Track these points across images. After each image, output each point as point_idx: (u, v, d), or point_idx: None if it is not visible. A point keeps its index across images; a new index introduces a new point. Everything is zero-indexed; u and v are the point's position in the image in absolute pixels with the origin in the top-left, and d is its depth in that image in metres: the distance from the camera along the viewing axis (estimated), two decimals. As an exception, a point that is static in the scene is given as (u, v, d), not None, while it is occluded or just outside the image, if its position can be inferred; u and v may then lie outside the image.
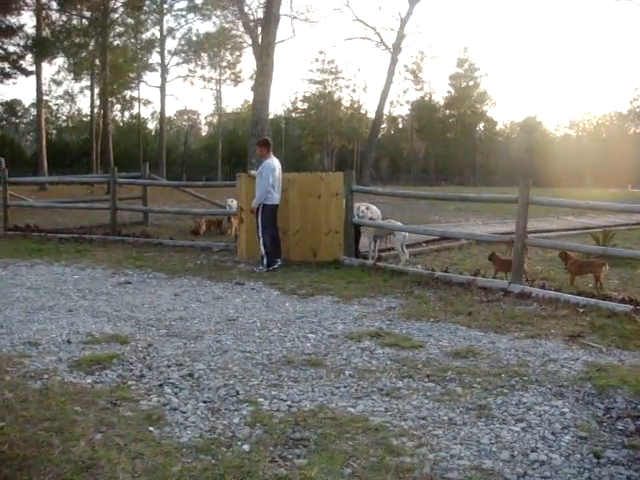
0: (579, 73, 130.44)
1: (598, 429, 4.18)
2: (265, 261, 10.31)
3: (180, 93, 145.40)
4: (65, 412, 4.36)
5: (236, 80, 58.50)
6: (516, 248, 8.54)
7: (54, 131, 72.98)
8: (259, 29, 23.82)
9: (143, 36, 50.01)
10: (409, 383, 5.00)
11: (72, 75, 53.30)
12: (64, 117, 76.28)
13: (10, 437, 3.94)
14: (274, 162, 10.65)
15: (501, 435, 4.07)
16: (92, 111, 51.97)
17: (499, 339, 6.26)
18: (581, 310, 7.33)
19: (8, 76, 47.72)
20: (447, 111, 75.80)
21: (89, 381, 5.03)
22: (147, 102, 71.19)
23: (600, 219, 17.71)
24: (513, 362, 5.53)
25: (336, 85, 73.29)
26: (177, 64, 53.38)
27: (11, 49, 43.87)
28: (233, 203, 14.03)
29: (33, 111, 63.39)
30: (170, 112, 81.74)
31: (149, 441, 3.92)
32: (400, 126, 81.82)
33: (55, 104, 70.43)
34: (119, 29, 46.18)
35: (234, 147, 66.18)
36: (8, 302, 7.87)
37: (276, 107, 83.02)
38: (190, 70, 56.12)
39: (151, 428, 4.13)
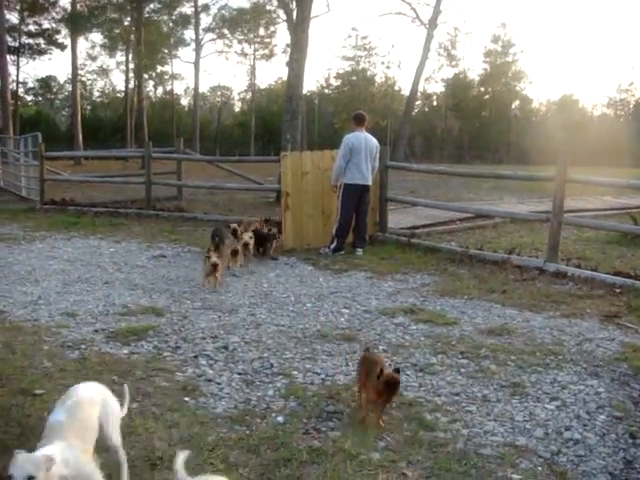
0: (618, 50, 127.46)
1: (634, 410, 4.15)
2: (334, 244, 9.57)
3: (213, 69, 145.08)
4: (102, 381, 4.41)
5: (270, 55, 58.18)
6: (552, 226, 8.43)
7: (89, 107, 73.44)
8: (293, 4, 23.62)
9: (177, 12, 49.87)
10: (443, 359, 5.00)
11: (107, 51, 53.62)
12: (98, 93, 76.82)
13: (50, 404, 4.01)
14: (356, 137, 9.64)
15: (535, 413, 4.06)
16: (126, 87, 52.25)
17: (534, 318, 6.22)
18: (617, 290, 7.24)
19: (43, 52, 48.30)
20: (482, 88, 74.78)
21: (125, 352, 5.11)
22: (181, 78, 71.20)
23: (639, 199, 17.35)
24: (548, 341, 5.49)
25: (369, 62, 72.66)
26: (211, 40, 53.21)
27: (46, 25, 44.40)
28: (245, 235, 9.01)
29: (68, 87, 63.95)
30: (203, 88, 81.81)
31: (185, 411, 3.98)
32: (434, 103, 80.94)
33: (89, 79, 70.90)
34: (154, 5, 46.12)
35: (267, 123, 66.04)
36: (46, 274, 8.01)
37: (310, 83, 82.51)
38: (227, 45, 55.90)
39: (186, 398, 4.19)
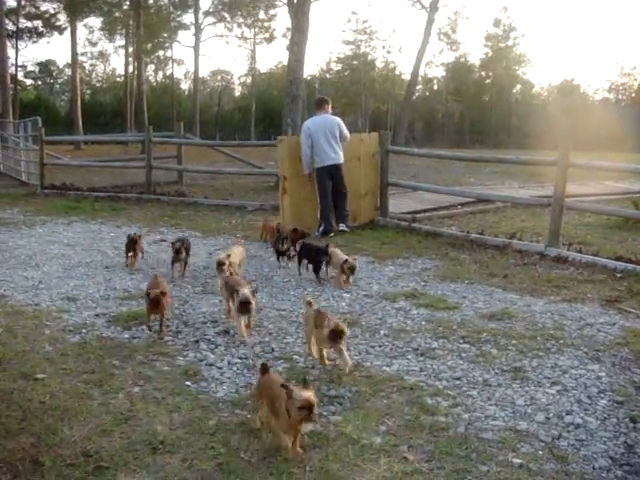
0: (621, 34, 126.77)
1: (635, 394, 4.14)
2: (321, 227, 9.75)
3: (213, 53, 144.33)
4: (103, 365, 4.44)
5: (270, 39, 57.93)
6: (554, 211, 8.41)
7: (88, 91, 73.17)
8: (294, -13, 23.48)
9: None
10: (444, 344, 4.99)
11: (106, 35, 53.38)
12: (98, 77, 76.54)
13: (51, 388, 4.03)
14: (312, 121, 9.93)
15: (536, 397, 4.05)
16: (126, 71, 52.05)
17: (535, 302, 6.21)
18: (618, 275, 7.23)
19: (42, 35, 48.03)
20: (482, 73, 74.45)
21: (126, 336, 5.11)
22: (180, 62, 70.99)
23: (640, 184, 17.29)
24: (549, 325, 5.48)
25: (370, 46, 72.28)
26: (211, 23, 52.98)
27: (44, 7, 44.14)
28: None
29: (67, 71, 63.72)
30: (203, 72, 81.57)
31: (186, 395, 3.98)
32: (435, 88, 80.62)
33: (91, 64, 70.74)
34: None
35: (268, 108, 65.85)
36: (47, 258, 8.01)
37: (310, 68, 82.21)
38: (227, 29, 55.65)
39: (188, 383, 4.19)
